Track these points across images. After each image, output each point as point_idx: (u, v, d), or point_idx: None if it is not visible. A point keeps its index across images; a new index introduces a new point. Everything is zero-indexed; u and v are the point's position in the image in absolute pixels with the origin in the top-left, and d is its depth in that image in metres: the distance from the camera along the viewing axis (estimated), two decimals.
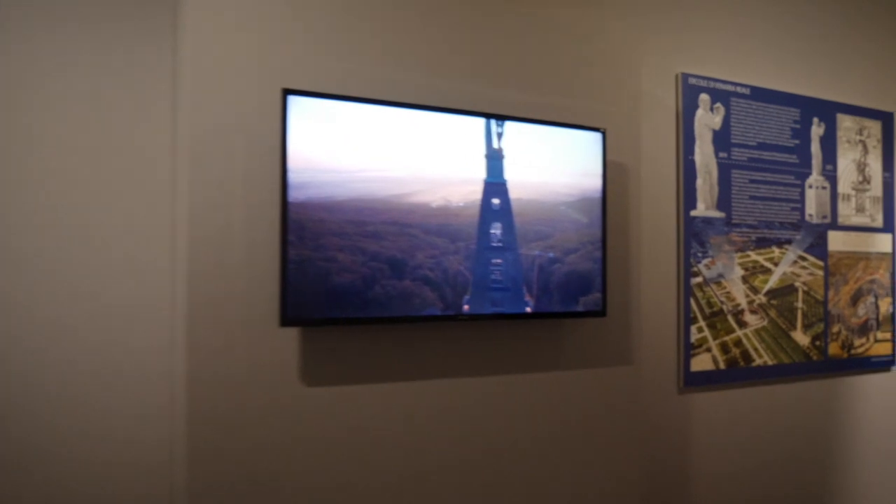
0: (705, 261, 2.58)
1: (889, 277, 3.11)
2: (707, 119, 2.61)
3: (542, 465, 2.02)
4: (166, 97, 1.80)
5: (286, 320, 1.63)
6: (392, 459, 1.81)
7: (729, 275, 2.64)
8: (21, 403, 1.67)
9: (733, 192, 2.66)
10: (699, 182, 2.57)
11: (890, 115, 3.16)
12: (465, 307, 1.80)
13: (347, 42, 1.78)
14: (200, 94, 1.64)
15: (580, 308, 1.98)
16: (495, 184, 1.86)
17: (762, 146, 2.74)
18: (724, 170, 2.64)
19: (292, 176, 1.64)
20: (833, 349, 2.92)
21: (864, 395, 3.05)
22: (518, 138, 1.91)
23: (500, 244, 1.86)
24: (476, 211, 1.82)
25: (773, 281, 2.76)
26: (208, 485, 1.62)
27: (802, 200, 2.85)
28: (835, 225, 2.96)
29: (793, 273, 2.81)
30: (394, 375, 1.82)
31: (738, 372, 2.64)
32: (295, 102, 1.65)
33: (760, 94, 2.75)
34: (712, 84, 2.63)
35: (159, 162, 1.80)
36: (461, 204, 1.81)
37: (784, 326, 2.77)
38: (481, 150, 1.84)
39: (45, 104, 1.72)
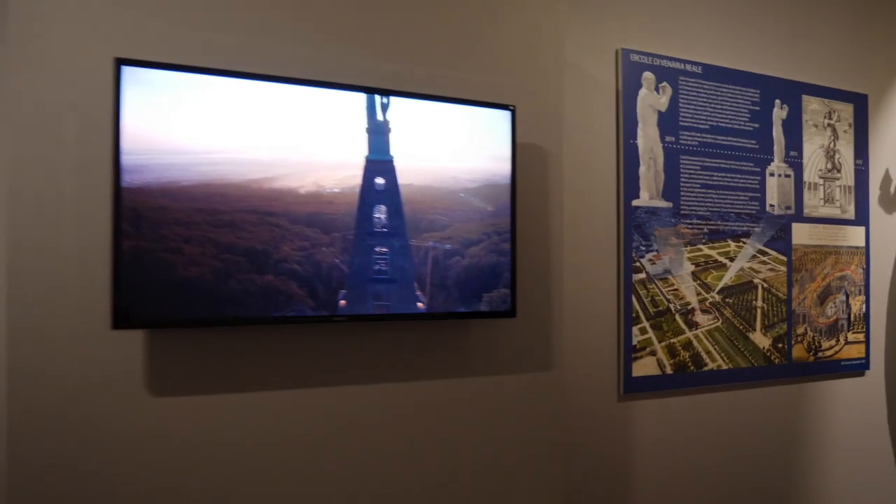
0: (649, 255, 2.34)
1: (862, 274, 2.86)
2: (652, 100, 2.38)
3: (442, 485, 1.79)
4: None
5: (119, 321, 1.41)
6: (253, 478, 1.59)
7: (677, 271, 2.40)
8: None
9: (682, 179, 2.42)
10: (642, 169, 2.34)
11: (863, 97, 2.91)
12: (342, 302, 1.57)
13: (200, 6, 1.56)
14: (24, 67, 1.42)
15: (484, 307, 1.75)
16: (379, 161, 1.64)
17: (716, 130, 2.50)
18: (672, 155, 2.40)
19: (127, 158, 1.42)
20: (798, 352, 2.68)
21: (833, 402, 2.80)
22: (410, 117, 1.68)
23: (385, 230, 1.63)
24: (354, 198, 1.60)
25: (728, 277, 2.52)
26: None
27: (763, 189, 2.61)
28: (800, 216, 2.71)
29: (751, 269, 2.57)
30: (259, 384, 1.59)
31: (687, 377, 2.41)
32: (131, 74, 1.43)
33: (714, 73, 2.51)
34: (658, 61, 2.39)
35: None
36: (336, 190, 1.58)
37: (741, 327, 2.53)
38: (362, 123, 1.61)
39: None
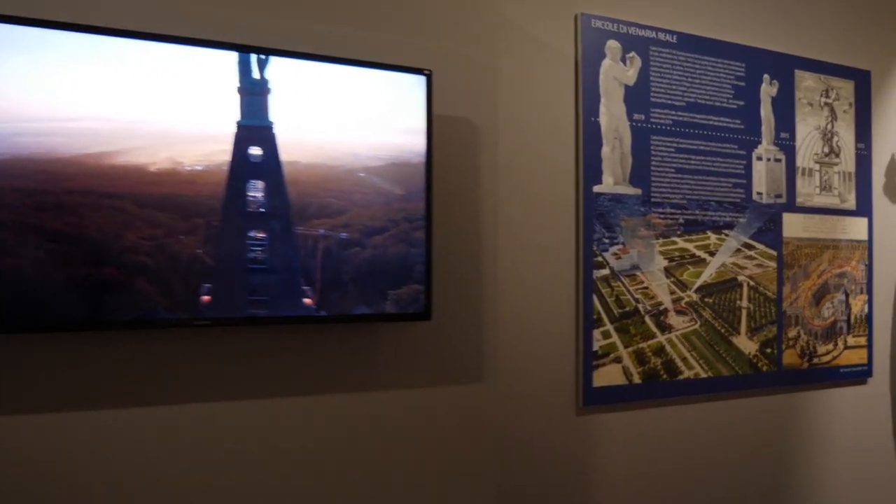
0: (614, 248, 2.05)
1: (864, 270, 2.54)
2: (617, 72, 2.08)
3: None
4: None
5: None
6: None
7: (647, 266, 2.10)
8: None
9: (653, 163, 2.12)
10: (606, 150, 2.04)
11: (866, 73, 2.59)
12: (205, 298, 1.29)
13: None
14: None
15: (390, 307, 1.47)
16: (255, 128, 1.36)
17: (693, 108, 2.20)
18: (641, 135, 2.10)
19: None
20: (789, 358, 2.37)
21: (831, 414, 2.48)
22: (297, 81, 1.40)
23: (263, 210, 1.35)
24: (222, 176, 1.32)
25: (707, 274, 2.21)
26: None
27: (749, 175, 2.30)
28: (792, 206, 2.40)
29: (735, 265, 2.26)
30: (93, 402, 1.32)
31: (658, 387, 2.11)
32: None
33: (691, 44, 2.20)
34: (624, 29, 2.09)
35: None
36: (199, 167, 1.31)
37: (723, 330, 2.23)
38: (232, 83, 1.33)
39: None
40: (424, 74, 1.51)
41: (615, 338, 2.06)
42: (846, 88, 2.56)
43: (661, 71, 2.16)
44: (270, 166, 1.37)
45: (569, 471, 1.98)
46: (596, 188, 2.04)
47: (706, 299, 2.22)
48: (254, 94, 1.36)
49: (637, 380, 2.09)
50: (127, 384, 1.33)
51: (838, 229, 2.51)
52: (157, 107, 1.28)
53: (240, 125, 1.34)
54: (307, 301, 1.40)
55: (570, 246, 2.01)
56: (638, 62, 2.12)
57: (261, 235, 1.37)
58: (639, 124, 2.11)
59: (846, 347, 2.52)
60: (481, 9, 1.67)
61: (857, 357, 2.55)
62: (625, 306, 2.08)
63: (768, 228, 2.35)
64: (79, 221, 1.21)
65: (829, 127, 2.51)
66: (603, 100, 2.06)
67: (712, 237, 2.24)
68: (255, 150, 1.36)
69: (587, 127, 2.03)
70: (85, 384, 1.30)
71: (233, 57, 1.34)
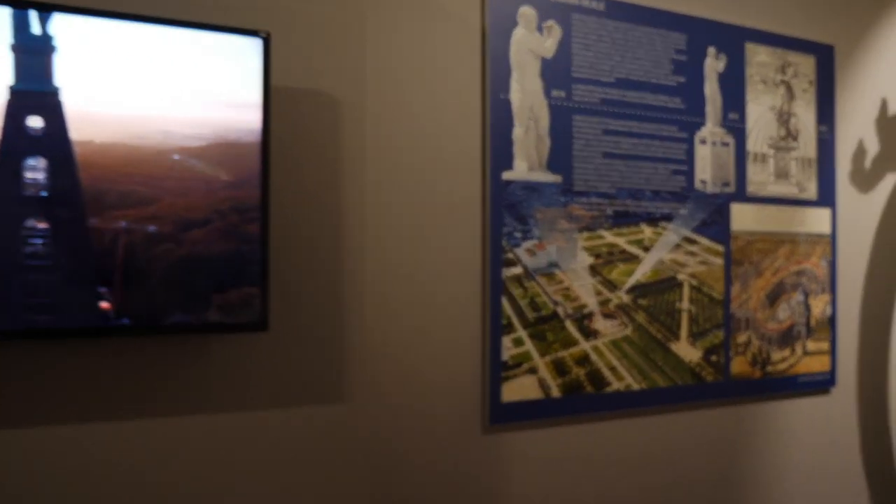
0: (528, 244, 1.79)
1: (827, 268, 2.27)
2: (532, 43, 1.81)
3: None
4: None
5: None
6: None
7: (568, 264, 1.84)
8: None
9: (576, 146, 1.86)
10: (518, 131, 1.78)
11: (828, 48, 2.32)
12: None
13: None
14: None
15: (215, 315, 1.21)
16: (34, 94, 1.10)
17: (625, 84, 1.94)
18: (561, 115, 1.84)
19: None
20: (739, 366, 2.11)
21: (787, 429, 2.22)
22: (92, 41, 1.14)
23: (44, 195, 1.10)
24: None
25: (641, 273, 1.95)
26: None
27: (691, 161, 2.04)
28: (742, 195, 2.13)
29: (674, 262, 1.99)
30: None
31: (582, 401, 1.85)
32: None
33: (622, 11, 1.94)
34: None
35: None
36: None
37: (660, 336, 1.96)
38: (4, 40, 1.08)
39: None
40: (260, 37, 1.26)
41: (529, 346, 1.80)
42: (806, 65, 2.29)
43: (585, 42, 1.89)
44: (55, 141, 1.12)
45: (472, 499, 1.71)
46: (506, 175, 1.78)
47: (639, 301, 1.95)
48: (32, 52, 1.11)
49: (556, 393, 1.83)
50: None
51: (796, 222, 2.24)
52: None
53: (13, 90, 1.08)
54: (104, 306, 1.14)
55: (475, 241, 1.75)
56: (557, 32, 1.86)
57: (42, 226, 1.11)
58: (558, 102, 1.85)
59: (805, 354, 2.26)
60: None
61: (818, 364, 2.29)
62: (541, 310, 1.81)
63: (714, 221, 2.09)
64: None
65: (785, 107, 2.24)
66: (515, 74, 1.79)
67: (647, 231, 1.98)
68: (35, 121, 1.10)
69: (495, 105, 1.77)
70: None
71: (5, 13, 1.08)
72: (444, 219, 1.70)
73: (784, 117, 2.24)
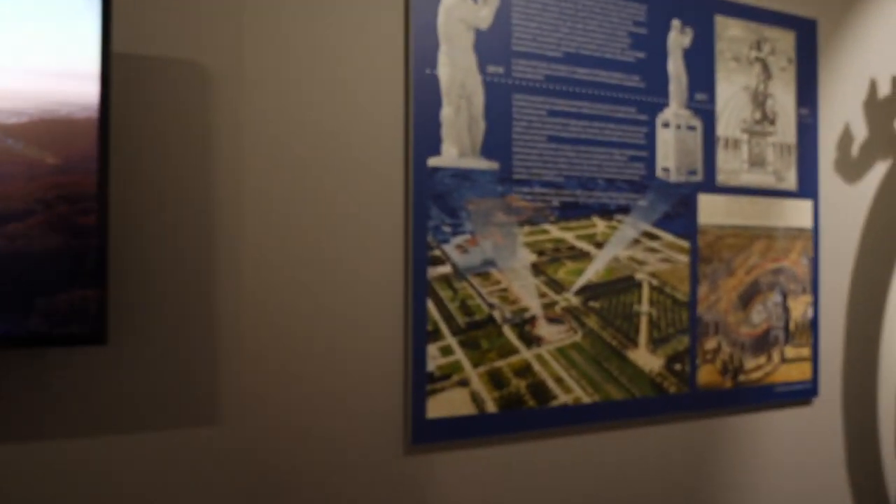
0: (458, 239, 1.56)
1: (808, 265, 2.04)
2: (464, 11, 1.59)
3: None
4: None
5: None
6: None
7: (506, 262, 1.61)
8: None
9: (516, 129, 1.63)
10: (447, 112, 1.56)
11: (810, 23, 2.09)
12: None
13: None
14: None
15: (38, 326, 0.99)
16: None
17: (574, 60, 1.71)
18: (499, 94, 1.61)
19: None
20: (707, 375, 1.88)
21: (762, 444, 1.98)
22: None
23: None
24: None
25: (592, 272, 1.72)
26: None
27: (652, 146, 1.81)
28: (711, 185, 1.90)
29: (632, 259, 1.77)
30: None
31: (523, 416, 1.63)
32: None
33: None
34: None
35: None
36: None
37: (615, 343, 1.74)
38: None
39: None
40: None
41: (460, 355, 1.58)
42: (785, 41, 2.05)
43: (527, 12, 1.67)
44: None
45: None
46: (432, 161, 1.55)
47: (591, 304, 1.73)
48: None
49: (492, 408, 1.61)
50: None
51: (773, 214, 2.01)
52: None
53: None
54: None
55: (395, 237, 1.53)
56: (494, 0, 1.63)
57: None
58: (495, 79, 1.62)
59: (783, 361, 2.02)
60: None
61: (798, 372, 2.05)
62: (474, 314, 1.59)
63: (678, 213, 1.86)
64: None
65: (761, 87, 2.01)
66: (444, 47, 1.57)
67: (600, 224, 1.75)
68: None
69: (420, 82, 1.55)
70: None
71: None
72: (355, 211, 1.48)
73: (759, 98, 2.01)
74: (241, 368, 1.29)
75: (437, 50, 1.58)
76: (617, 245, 1.78)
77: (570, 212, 1.72)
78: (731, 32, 1.97)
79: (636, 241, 1.81)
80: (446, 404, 1.57)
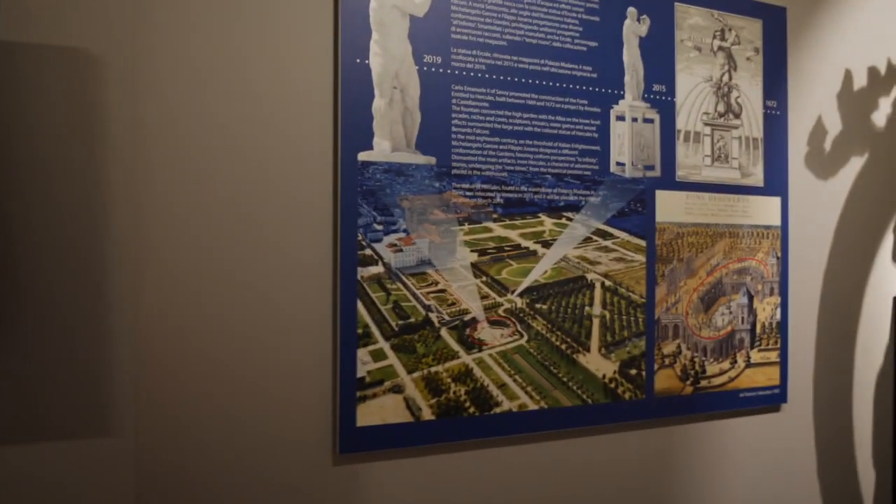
0: (392, 238, 1.48)
1: (776, 265, 1.95)
2: None
3: None
4: None
5: None
6: None
7: (445, 262, 1.53)
8: None
9: (456, 122, 1.55)
10: (379, 103, 1.47)
11: (779, 10, 1.99)
12: None
13: None
14: None
15: None
16: None
17: (519, 49, 1.62)
18: (436, 85, 1.53)
19: None
20: (665, 380, 1.79)
21: (727, 453, 1.89)
22: None
23: None
24: None
25: (539, 272, 1.64)
26: None
27: (605, 140, 1.72)
28: (670, 181, 1.81)
29: (582, 259, 1.68)
30: None
31: (463, 424, 1.55)
32: None
33: None
34: None
35: None
36: None
37: (564, 346, 1.65)
38: None
39: None
40: None
41: (393, 359, 1.50)
42: (751, 29, 1.96)
43: None
44: None
45: None
46: (363, 156, 1.47)
47: (538, 305, 1.64)
48: None
49: (428, 415, 1.52)
50: None
51: (738, 212, 1.92)
52: None
53: None
54: None
55: (323, 236, 1.45)
56: None
57: None
58: (433, 69, 1.54)
59: (749, 365, 1.93)
60: None
61: (764, 377, 1.96)
62: (409, 316, 1.51)
63: (634, 210, 1.77)
64: None
65: (725, 79, 1.91)
66: (376, 35, 1.49)
67: (548, 222, 1.66)
68: None
69: (350, 72, 1.46)
70: None
71: None
72: (278, 209, 1.40)
73: (723, 91, 1.92)
74: (145, 376, 1.21)
75: (369, 38, 1.49)
76: (566, 244, 1.69)
77: (515, 209, 1.64)
78: (692, 21, 1.87)
79: (587, 240, 1.72)
80: (378, 411, 1.49)
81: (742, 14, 1.95)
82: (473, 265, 1.59)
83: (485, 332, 1.60)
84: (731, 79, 1.93)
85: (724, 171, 1.91)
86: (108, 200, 1.12)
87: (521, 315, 1.64)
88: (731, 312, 1.91)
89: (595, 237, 1.73)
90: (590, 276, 1.72)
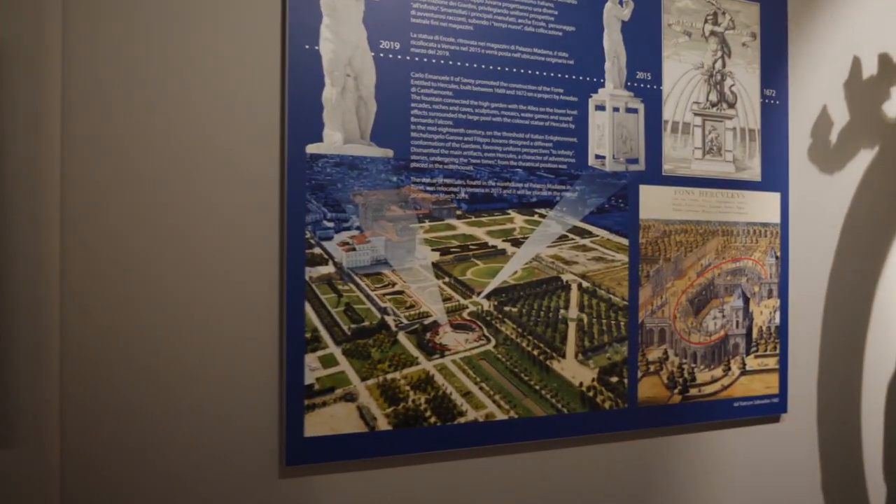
0: (343, 236, 1.39)
1: (775, 265, 1.81)
2: None
3: None
4: None
5: None
6: None
7: (402, 261, 1.43)
8: None
9: (415, 112, 1.45)
10: (330, 92, 1.38)
11: None
12: None
13: None
14: None
15: None
16: None
17: (487, 34, 1.52)
18: (394, 72, 1.43)
19: None
20: (649, 389, 1.67)
21: (719, 467, 1.76)
22: None
23: None
24: None
25: (508, 272, 1.53)
26: None
27: (583, 131, 1.61)
28: (655, 175, 1.69)
29: (557, 258, 1.57)
30: None
31: (423, 435, 1.45)
32: None
33: None
34: None
35: None
36: None
37: (536, 352, 1.54)
38: None
39: None
40: None
41: (345, 365, 1.40)
42: (747, 13, 1.82)
43: None
44: None
45: None
46: (312, 148, 1.38)
47: (507, 308, 1.53)
48: None
49: (384, 425, 1.42)
50: None
51: (733, 208, 1.78)
52: None
53: None
54: None
55: (270, 233, 1.36)
56: None
57: None
58: (390, 56, 1.44)
59: (744, 373, 1.79)
60: None
61: (762, 385, 1.82)
62: (362, 320, 1.41)
63: (615, 206, 1.65)
64: None
65: (718, 66, 1.78)
66: (327, 20, 1.39)
67: (518, 219, 1.55)
68: None
69: (298, 59, 1.37)
70: None
71: None
72: (220, 205, 1.31)
73: (716, 78, 1.78)
74: (69, 386, 1.13)
75: (320, 22, 1.40)
76: (539, 242, 1.58)
77: (482, 205, 1.53)
78: (681, 3, 1.74)
79: (563, 238, 1.60)
80: (328, 421, 1.39)
81: None
82: (435, 265, 1.48)
83: (447, 336, 1.49)
84: (724, 66, 1.80)
85: (716, 165, 1.78)
86: (16, 193, 1.03)
87: (489, 318, 1.53)
88: (724, 316, 1.77)
89: (571, 235, 1.61)
90: (565, 277, 1.60)
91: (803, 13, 1.89)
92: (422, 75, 1.48)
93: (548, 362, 1.58)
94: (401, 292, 1.46)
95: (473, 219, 1.52)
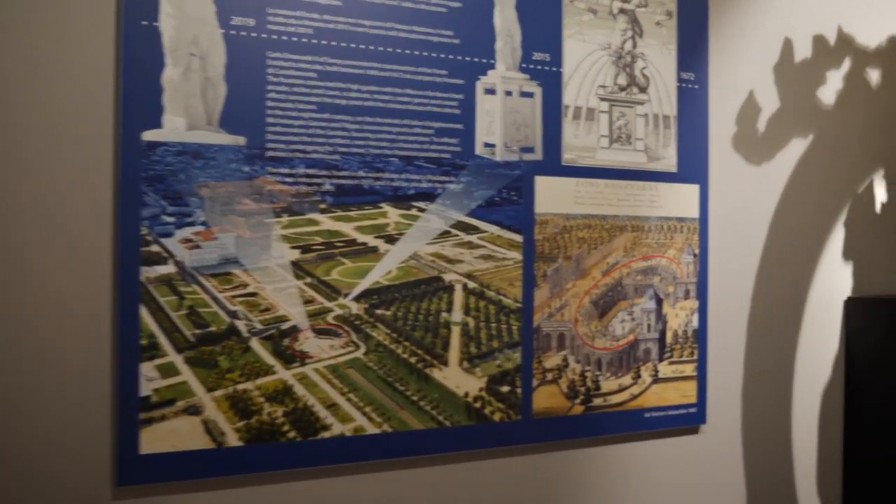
0: (186, 232, 1.26)
1: (693, 264, 1.67)
2: None
3: None
4: None
5: None
6: None
7: (256, 260, 1.30)
8: None
9: (272, 95, 1.31)
10: (172, 73, 1.25)
11: None
12: None
13: None
14: None
15: None
16: None
17: (357, 9, 1.38)
18: (247, 51, 1.30)
19: None
20: (546, 399, 1.53)
21: (632, 484, 1.62)
22: None
23: None
24: None
25: (381, 272, 1.40)
26: None
27: (469, 116, 1.47)
28: (554, 165, 1.55)
29: (438, 257, 1.43)
30: None
31: (280, 451, 1.31)
32: None
33: None
34: None
35: None
36: None
37: (414, 360, 1.41)
38: None
39: None
40: None
41: (188, 375, 1.27)
42: None
43: None
44: None
45: None
46: (149, 135, 1.24)
47: (379, 312, 1.39)
48: None
49: (234, 441, 1.29)
50: None
51: (644, 201, 1.64)
52: None
53: None
54: None
55: (101, 230, 1.22)
56: None
57: None
58: (242, 34, 1.30)
59: (656, 380, 1.65)
60: None
61: (677, 394, 1.68)
62: (208, 325, 1.28)
63: (507, 200, 1.51)
64: None
65: (628, 46, 1.63)
66: None
67: (393, 214, 1.41)
68: None
69: (133, 36, 1.24)
70: None
71: None
72: (44, 198, 1.18)
73: (625, 60, 1.64)
74: None
75: None
76: (417, 239, 1.44)
77: (350, 198, 1.39)
78: None
79: (445, 234, 1.46)
80: (168, 436, 1.26)
81: None
82: (294, 264, 1.35)
83: (309, 342, 1.35)
84: (635, 46, 1.65)
85: (625, 154, 1.64)
86: None
87: (358, 323, 1.39)
88: (633, 319, 1.63)
89: (455, 231, 1.47)
90: (448, 277, 1.46)
91: None
92: (280, 55, 1.34)
93: (427, 370, 1.45)
94: (254, 294, 1.32)
95: (340, 213, 1.39)
